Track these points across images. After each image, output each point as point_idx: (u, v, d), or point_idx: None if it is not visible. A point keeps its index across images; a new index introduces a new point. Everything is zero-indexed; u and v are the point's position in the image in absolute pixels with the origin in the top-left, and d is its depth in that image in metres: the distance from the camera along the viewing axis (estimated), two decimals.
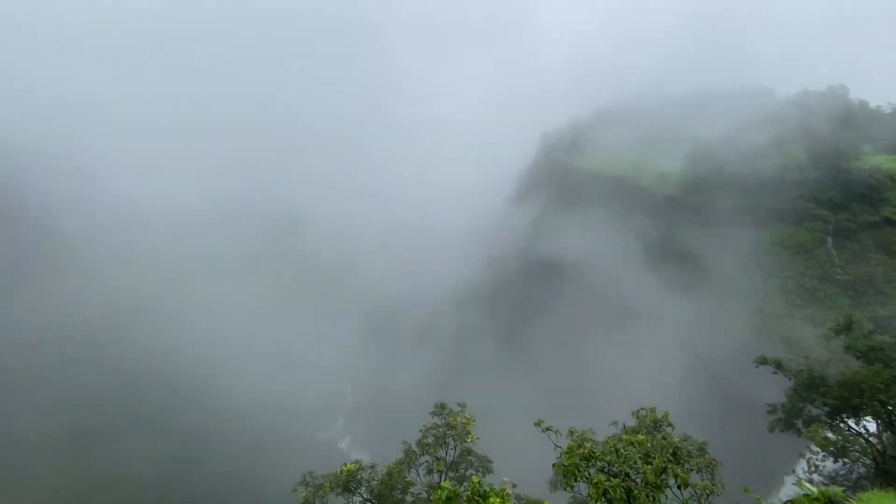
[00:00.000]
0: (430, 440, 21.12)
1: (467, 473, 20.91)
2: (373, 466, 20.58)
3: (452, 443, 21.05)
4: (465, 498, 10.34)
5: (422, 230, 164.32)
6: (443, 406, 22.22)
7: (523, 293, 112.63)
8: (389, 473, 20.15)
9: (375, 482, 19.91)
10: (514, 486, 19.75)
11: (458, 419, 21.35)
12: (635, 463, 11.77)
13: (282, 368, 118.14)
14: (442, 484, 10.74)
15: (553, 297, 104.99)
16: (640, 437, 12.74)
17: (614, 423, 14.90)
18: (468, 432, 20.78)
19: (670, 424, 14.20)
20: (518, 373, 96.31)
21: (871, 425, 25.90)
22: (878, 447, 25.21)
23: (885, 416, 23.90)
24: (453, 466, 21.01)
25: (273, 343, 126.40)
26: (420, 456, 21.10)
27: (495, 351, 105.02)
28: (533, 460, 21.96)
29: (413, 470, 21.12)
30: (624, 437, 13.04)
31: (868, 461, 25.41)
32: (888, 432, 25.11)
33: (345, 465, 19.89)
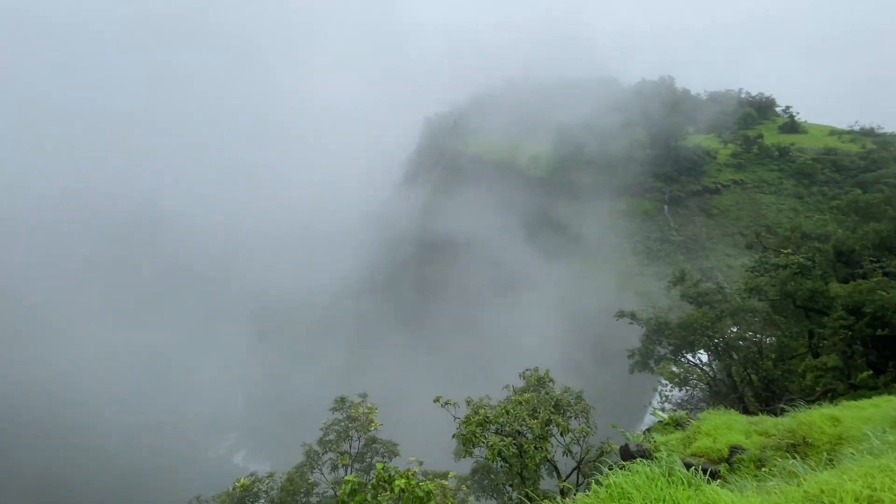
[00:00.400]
0: (332, 437, 20.47)
1: (373, 462, 20.80)
2: (270, 476, 19.33)
3: (356, 435, 20.68)
4: (370, 486, 10.23)
5: (309, 221, 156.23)
6: (343, 400, 21.65)
7: (419, 273, 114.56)
8: (290, 479, 19.12)
9: (275, 491, 18.75)
10: (420, 463, 20.26)
11: (360, 410, 21.01)
12: (524, 420, 12.92)
13: (157, 385, 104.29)
14: (346, 478, 10.51)
15: (447, 274, 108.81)
16: (527, 395, 13.98)
17: (506, 387, 16.02)
18: (371, 421, 20.60)
19: (551, 380, 15.80)
20: (421, 351, 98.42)
21: (704, 357, 31.87)
22: (710, 374, 31.19)
23: (712, 347, 29.64)
24: (358, 458, 20.68)
25: (143, 358, 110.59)
26: (323, 454, 20.37)
27: (397, 333, 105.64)
28: (438, 435, 22.71)
29: (317, 470, 20.32)
30: (513, 397, 14.17)
31: (704, 386, 31.30)
32: (716, 360, 31.13)
33: (238, 480, 18.36)
